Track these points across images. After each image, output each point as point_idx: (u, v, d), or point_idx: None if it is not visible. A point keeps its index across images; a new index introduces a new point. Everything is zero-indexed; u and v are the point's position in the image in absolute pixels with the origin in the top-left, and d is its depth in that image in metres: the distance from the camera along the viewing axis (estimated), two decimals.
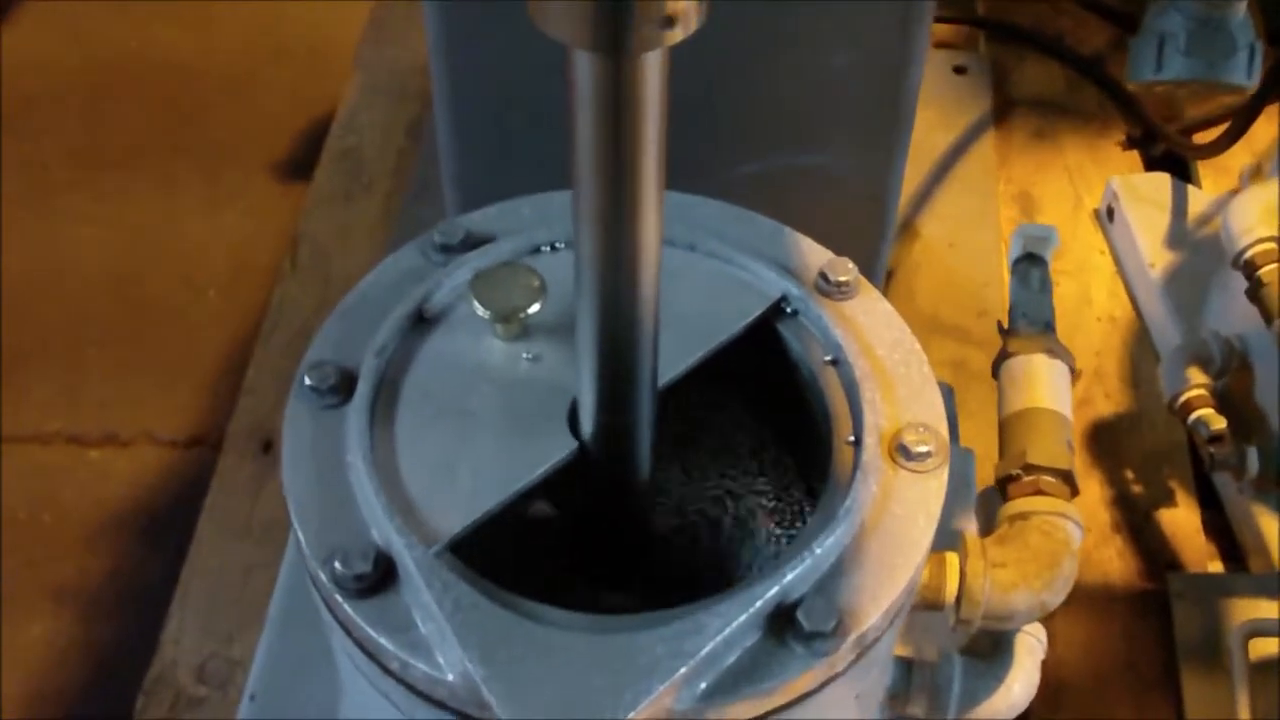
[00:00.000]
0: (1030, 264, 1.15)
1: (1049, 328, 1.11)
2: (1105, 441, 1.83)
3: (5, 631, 1.77)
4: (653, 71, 0.67)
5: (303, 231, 2.21)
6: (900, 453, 0.87)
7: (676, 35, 0.65)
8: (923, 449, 0.86)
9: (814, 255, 0.99)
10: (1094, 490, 1.76)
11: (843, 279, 0.97)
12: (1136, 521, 1.74)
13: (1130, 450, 1.83)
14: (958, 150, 2.27)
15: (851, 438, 0.89)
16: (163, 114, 2.59)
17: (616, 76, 0.67)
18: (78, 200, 2.40)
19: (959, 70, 2.43)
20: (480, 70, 1.38)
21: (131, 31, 2.75)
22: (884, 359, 0.93)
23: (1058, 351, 1.08)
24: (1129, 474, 1.79)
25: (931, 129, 2.27)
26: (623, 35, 0.64)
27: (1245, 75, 1.45)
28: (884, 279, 1.88)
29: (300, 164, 2.45)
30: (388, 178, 2.32)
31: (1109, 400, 1.89)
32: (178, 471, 1.98)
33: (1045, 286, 1.14)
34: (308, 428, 0.89)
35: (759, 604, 0.78)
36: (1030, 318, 1.11)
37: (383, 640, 0.79)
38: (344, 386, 0.91)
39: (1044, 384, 1.06)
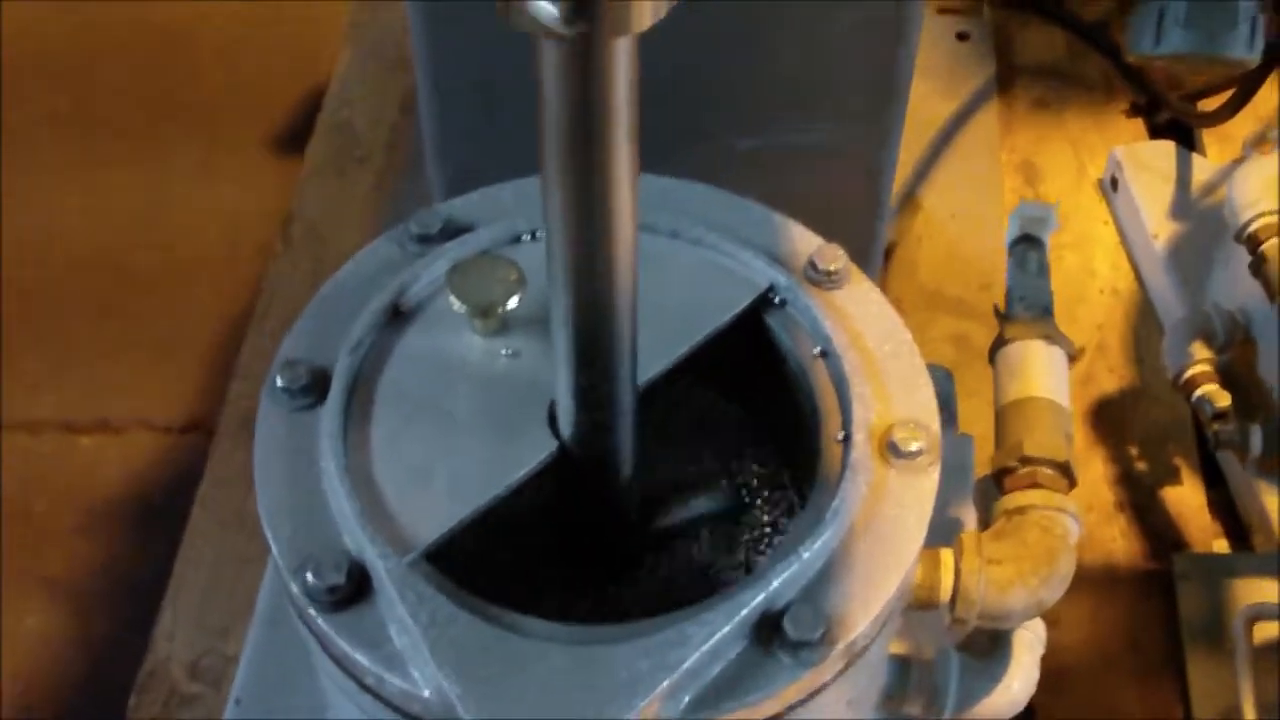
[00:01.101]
0: (1028, 246, 1.11)
1: (1047, 312, 1.08)
2: (1109, 418, 1.80)
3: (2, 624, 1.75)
4: (622, 56, 0.64)
5: (295, 208, 2.18)
6: (891, 450, 0.84)
7: (645, 20, 0.61)
8: (914, 446, 0.83)
9: (803, 242, 0.96)
10: (1097, 468, 1.73)
11: (833, 267, 0.94)
12: (1140, 500, 1.72)
13: (1134, 426, 1.80)
14: (960, 119, 2.23)
15: (841, 434, 0.86)
16: (154, 83, 2.55)
17: (583, 63, 0.64)
18: (66, 172, 2.37)
19: (961, 37, 2.38)
20: (464, 49, 1.35)
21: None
22: (875, 351, 0.90)
23: (1056, 338, 1.05)
24: (1133, 451, 1.76)
25: (934, 97, 2.23)
26: (589, 20, 0.60)
27: (1247, 48, 1.41)
28: (883, 255, 1.85)
29: (294, 135, 2.41)
30: (382, 152, 2.29)
31: (1112, 375, 1.86)
32: (171, 458, 1.95)
33: (1043, 270, 1.11)
34: (280, 430, 0.87)
35: (744, 612, 0.76)
36: (1028, 302, 1.08)
37: (357, 654, 0.77)
38: (317, 386, 0.88)
39: (1041, 372, 1.02)
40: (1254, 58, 1.45)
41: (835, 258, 0.94)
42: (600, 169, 0.69)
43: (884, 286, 1.88)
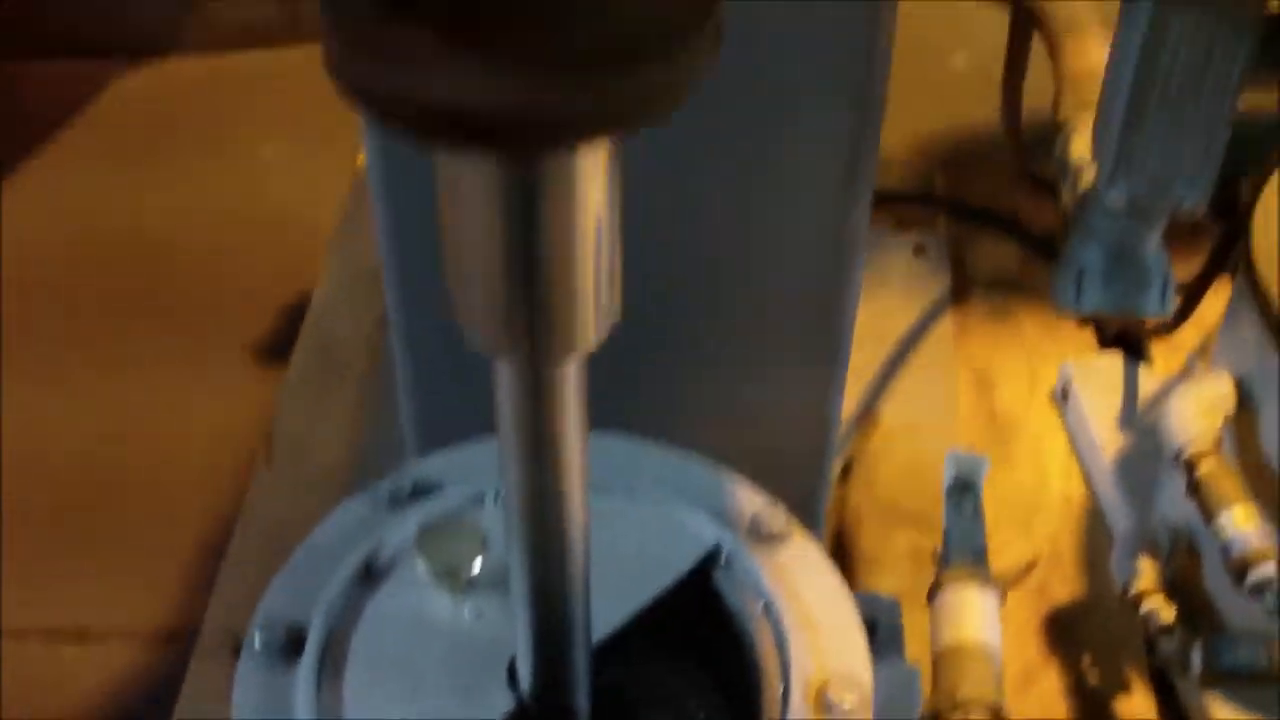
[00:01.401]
0: (963, 492, 1.19)
1: (981, 557, 1.15)
2: (1062, 628, 1.86)
3: None
4: (566, 377, 0.72)
5: (277, 423, 2.25)
6: (825, 705, 0.90)
7: (588, 344, 0.70)
8: (846, 702, 0.90)
9: (747, 501, 1.03)
10: (1051, 680, 1.79)
11: (775, 526, 1.01)
12: (1093, 712, 1.76)
13: (1087, 637, 1.85)
14: (917, 332, 2.33)
15: (780, 689, 0.92)
16: (140, 291, 2.65)
17: (535, 385, 0.72)
18: (50, 379, 2.44)
19: (919, 250, 2.49)
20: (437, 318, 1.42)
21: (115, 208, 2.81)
22: (813, 607, 0.97)
23: (989, 582, 1.12)
24: (1086, 661, 1.81)
25: (891, 312, 2.33)
26: (537, 352, 0.68)
27: (1159, 306, 1.52)
28: (841, 472, 1.93)
29: (277, 346, 2.49)
30: (363, 366, 2.37)
31: (1065, 585, 1.92)
32: (151, 670, 1.99)
33: (977, 515, 1.18)
34: (257, 685, 0.93)
35: None
36: (963, 547, 1.16)
37: None
38: (293, 645, 0.94)
39: (975, 617, 1.09)
40: (1166, 313, 1.56)
41: (778, 517, 1.01)
42: (551, 464, 0.77)
43: (842, 503, 1.96)
